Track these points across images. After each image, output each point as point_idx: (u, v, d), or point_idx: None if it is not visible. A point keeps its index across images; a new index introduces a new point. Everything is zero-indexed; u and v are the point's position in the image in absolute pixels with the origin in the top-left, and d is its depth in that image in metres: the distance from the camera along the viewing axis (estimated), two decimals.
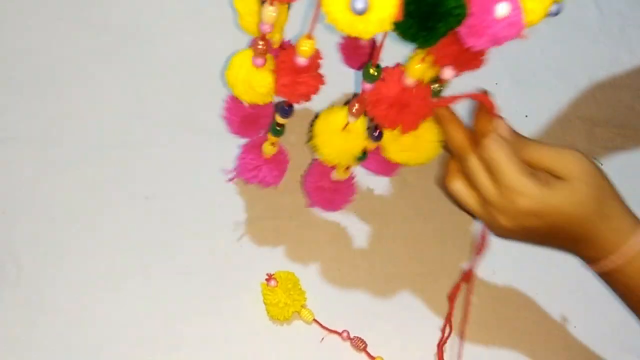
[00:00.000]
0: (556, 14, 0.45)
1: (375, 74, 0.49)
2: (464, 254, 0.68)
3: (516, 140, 0.51)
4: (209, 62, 0.76)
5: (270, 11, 0.51)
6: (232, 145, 0.70)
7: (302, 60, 0.51)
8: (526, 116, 0.76)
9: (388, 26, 0.42)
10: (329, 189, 0.65)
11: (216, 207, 0.68)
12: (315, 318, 0.62)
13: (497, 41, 0.43)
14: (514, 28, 0.42)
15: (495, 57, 0.79)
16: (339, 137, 0.54)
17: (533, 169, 0.50)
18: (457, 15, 0.41)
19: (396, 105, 0.49)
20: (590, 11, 0.84)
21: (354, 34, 0.42)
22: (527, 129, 0.74)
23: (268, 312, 0.62)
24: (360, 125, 0.54)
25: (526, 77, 0.79)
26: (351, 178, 0.65)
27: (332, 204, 0.66)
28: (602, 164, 0.73)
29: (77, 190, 0.68)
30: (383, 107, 0.50)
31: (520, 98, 0.77)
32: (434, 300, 0.65)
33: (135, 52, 0.76)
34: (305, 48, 0.50)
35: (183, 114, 0.73)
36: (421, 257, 0.67)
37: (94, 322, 0.61)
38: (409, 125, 0.51)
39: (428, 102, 0.50)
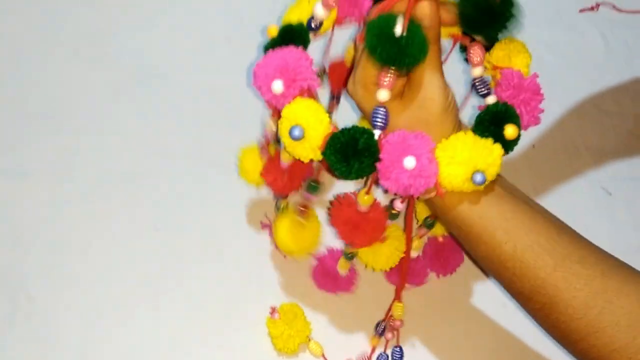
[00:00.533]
0: (481, 182, 0.46)
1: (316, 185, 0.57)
2: (472, 285, 0.67)
3: None
4: (220, 97, 0.78)
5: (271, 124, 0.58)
6: (241, 179, 0.71)
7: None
8: (533, 146, 0.76)
9: (319, 155, 0.48)
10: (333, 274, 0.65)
11: (225, 240, 0.68)
12: (324, 351, 0.62)
13: (406, 190, 0.47)
14: (421, 181, 0.46)
15: None
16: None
17: None
18: (370, 156, 0.47)
19: (349, 225, 0.53)
20: (596, 41, 0.85)
21: (295, 156, 0.49)
22: (535, 158, 0.75)
23: (274, 346, 0.62)
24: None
25: None
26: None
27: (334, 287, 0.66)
28: (610, 194, 0.73)
29: (88, 223, 0.69)
30: (339, 226, 0.54)
31: None
32: (443, 330, 0.65)
33: (148, 88, 0.78)
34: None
35: (194, 148, 0.74)
36: (427, 287, 0.67)
37: (104, 352, 0.62)
38: (361, 243, 0.55)
39: (382, 224, 0.54)
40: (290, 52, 0.50)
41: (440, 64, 0.49)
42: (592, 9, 0.87)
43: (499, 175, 0.51)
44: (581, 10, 0.87)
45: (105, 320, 0.63)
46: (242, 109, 0.77)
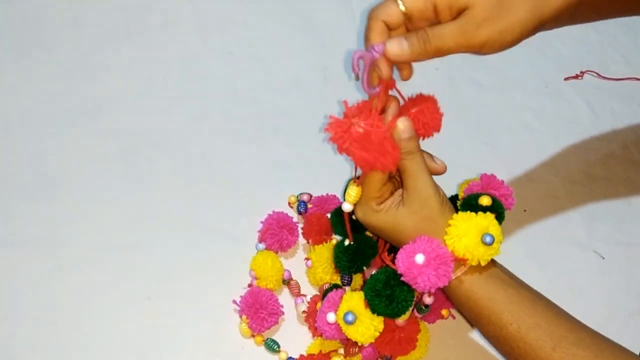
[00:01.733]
0: (491, 242, 0.54)
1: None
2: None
3: (403, 145, 0.56)
4: (215, 166, 0.78)
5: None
6: (234, 247, 0.72)
7: None
8: (525, 210, 0.77)
9: (370, 338, 0.57)
10: None
11: (219, 310, 0.68)
12: None
13: (439, 280, 0.54)
14: (444, 267, 0.54)
15: (491, 152, 0.81)
16: None
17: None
18: (396, 278, 0.56)
19: (385, 337, 0.61)
20: (581, 108, 0.87)
21: (349, 336, 0.57)
22: (526, 223, 0.76)
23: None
24: None
25: (523, 172, 0.80)
26: None
27: None
28: (603, 258, 0.73)
29: (80, 293, 0.68)
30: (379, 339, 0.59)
31: (518, 193, 0.75)
32: None
33: (143, 157, 0.79)
34: None
35: (188, 217, 0.74)
36: None
37: None
38: (395, 355, 0.63)
39: (415, 338, 0.62)
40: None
41: (425, 166, 0.57)
42: (577, 77, 0.90)
43: (501, 265, 0.59)
44: (566, 79, 0.89)
45: None
46: (236, 178, 0.78)
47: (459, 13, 0.51)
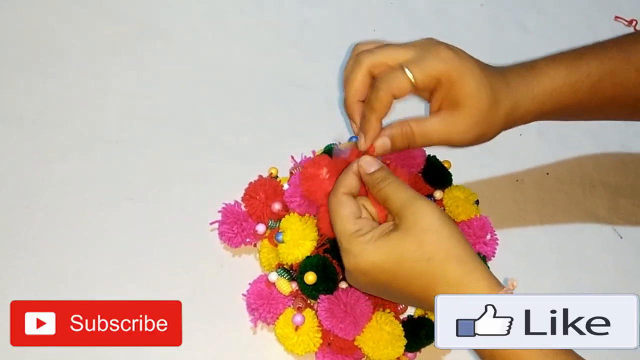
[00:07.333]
0: None
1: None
2: None
3: (373, 178, 0.52)
4: (223, 68, 0.77)
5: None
6: (231, 158, 0.70)
7: None
8: (547, 173, 0.72)
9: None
10: None
11: (203, 223, 0.65)
12: None
13: None
14: None
15: None
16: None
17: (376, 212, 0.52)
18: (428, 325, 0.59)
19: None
20: None
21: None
22: (546, 186, 0.72)
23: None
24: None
25: (553, 133, 0.75)
26: None
27: None
28: (621, 237, 0.69)
29: (61, 181, 0.67)
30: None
31: (544, 153, 0.74)
32: None
33: (149, 47, 0.77)
34: None
35: (185, 118, 0.72)
36: None
37: None
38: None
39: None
40: None
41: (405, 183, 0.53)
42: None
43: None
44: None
45: (72, 287, 0.61)
46: (237, 86, 0.76)
47: (451, 103, 0.52)
